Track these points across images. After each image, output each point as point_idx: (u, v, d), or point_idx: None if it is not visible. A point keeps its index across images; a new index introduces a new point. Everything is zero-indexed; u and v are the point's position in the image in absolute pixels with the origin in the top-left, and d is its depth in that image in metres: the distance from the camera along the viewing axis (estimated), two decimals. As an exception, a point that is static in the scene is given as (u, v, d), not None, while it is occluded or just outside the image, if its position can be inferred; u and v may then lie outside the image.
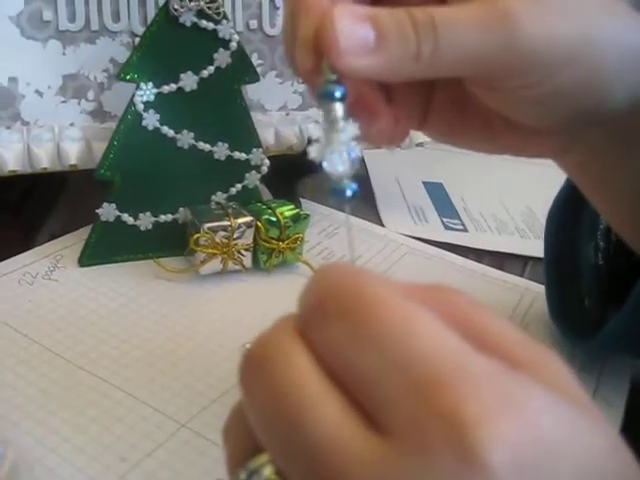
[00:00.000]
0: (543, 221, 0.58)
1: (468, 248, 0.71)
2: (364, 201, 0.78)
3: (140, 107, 0.58)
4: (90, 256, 0.60)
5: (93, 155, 0.61)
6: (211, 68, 0.59)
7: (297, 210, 0.62)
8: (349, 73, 0.31)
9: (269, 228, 0.60)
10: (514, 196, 0.83)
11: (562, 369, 0.23)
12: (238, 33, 0.60)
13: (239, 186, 0.63)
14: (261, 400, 0.22)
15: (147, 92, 0.58)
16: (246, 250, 0.59)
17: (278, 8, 0.65)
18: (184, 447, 0.43)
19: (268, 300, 0.57)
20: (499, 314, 0.24)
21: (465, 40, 0.32)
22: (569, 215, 0.55)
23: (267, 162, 0.63)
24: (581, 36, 0.34)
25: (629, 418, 0.49)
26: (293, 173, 0.72)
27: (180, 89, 0.59)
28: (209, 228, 0.57)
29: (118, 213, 0.59)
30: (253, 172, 0.63)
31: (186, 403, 0.46)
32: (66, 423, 0.44)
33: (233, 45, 0.59)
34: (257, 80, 0.62)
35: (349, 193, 0.28)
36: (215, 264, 0.59)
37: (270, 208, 0.61)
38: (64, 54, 0.60)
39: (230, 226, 0.58)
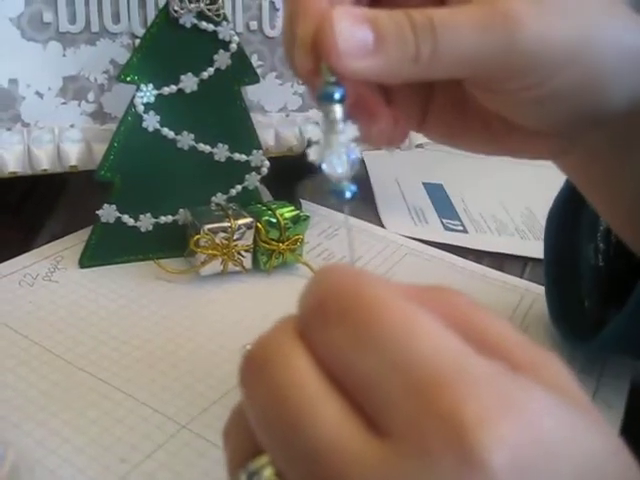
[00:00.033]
0: (543, 222, 0.58)
1: (468, 249, 0.71)
2: (364, 202, 0.78)
3: (140, 108, 0.58)
4: (90, 257, 0.60)
5: (93, 156, 0.61)
6: (211, 69, 0.59)
7: (297, 211, 0.62)
8: (348, 75, 0.31)
9: (269, 229, 0.60)
10: (514, 197, 0.83)
11: (562, 371, 0.23)
12: (238, 34, 0.60)
13: (239, 187, 0.63)
14: (261, 402, 0.22)
15: (147, 93, 0.58)
16: (246, 251, 0.59)
17: (278, 9, 0.66)
18: (184, 448, 0.43)
19: (268, 301, 0.57)
20: (499, 315, 0.24)
21: (464, 41, 0.32)
22: (569, 216, 0.55)
23: (267, 163, 0.63)
24: (580, 37, 0.34)
25: (629, 419, 0.49)
26: (293, 174, 0.72)
27: (180, 90, 0.59)
28: (209, 229, 0.57)
29: (118, 214, 0.59)
30: (253, 173, 0.63)
31: (186, 404, 0.46)
32: (66, 424, 0.44)
33: (233, 46, 0.59)
34: (257, 81, 0.62)
35: (348, 195, 0.28)
36: (215, 265, 0.59)
37: (270, 209, 0.61)
38: (64, 56, 0.60)
39: (230, 227, 0.58)
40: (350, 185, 0.28)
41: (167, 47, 0.58)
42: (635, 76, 0.36)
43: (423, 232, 0.73)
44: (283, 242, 0.60)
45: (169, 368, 0.49)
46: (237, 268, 0.59)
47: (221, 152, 0.61)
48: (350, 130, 0.29)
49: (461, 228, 0.75)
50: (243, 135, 0.62)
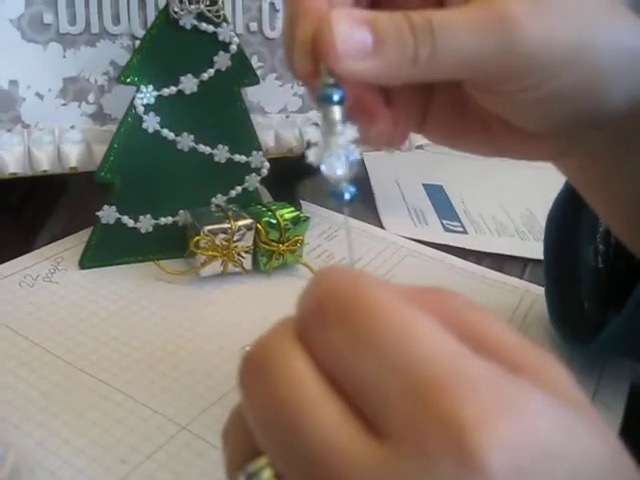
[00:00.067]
0: (543, 223, 0.58)
1: (468, 250, 0.71)
2: (364, 203, 0.78)
3: (140, 110, 0.58)
4: (90, 258, 0.60)
5: (93, 158, 0.61)
6: (211, 71, 0.59)
7: (297, 212, 0.62)
8: (347, 77, 0.31)
9: (269, 230, 0.60)
10: (514, 198, 0.84)
11: (561, 373, 0.23)
12: (238, 36, 0.60)
13: (239, 188, 0.63)
14: (260, 403, 0.22)
15: (147, 95, 0.58)
16: (246, 252, 0.60)
17: (278, 11, 0.66)
18: (184, 449, 0.43)
19: (268, 302, 0.57)
20: (499, 316, 0.24)
21: (463, 43, 0.32)
22: (568, 218, 0.55)
23: (267, 164, 0.63)
24: (580, 38, 0.34)
25: (628, 421, 0.49)
26: (293, 175, 0.72)
27: (180, 92, 0.59)
28: (209, 230, 0.57)
29: (118, 215, 0.59)
30: (253, 174, 0.63)
31: (186, 405, 0.46)
32: (66, 425, 0.44)
33: (233, 48, 0.59)
34: (257, 83, 0.62)
35: (347, 196, 0.28)
36: (215, 266, 0.59)
37: (270, 210, 0.61)
38: (64, 57, 0.60)
39: (230, 228, 0.58)
40: (349, 186, 0.28)
41: (167, 48, 0.58)
42: (634, 77, 0.36)
43: (423, 233, 0.73)
44: (283, 243, 0.60)
45: (169, 369, 0.49)
46: (237, 269, 0.60)
47: (221, 153, 0.61)
48: (349, 131, 0.29)
49: (461, 229, 0.75)
50: (243, 136, 0.62)
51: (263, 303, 0.58)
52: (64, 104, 0.61)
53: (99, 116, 0.62)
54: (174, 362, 0.50)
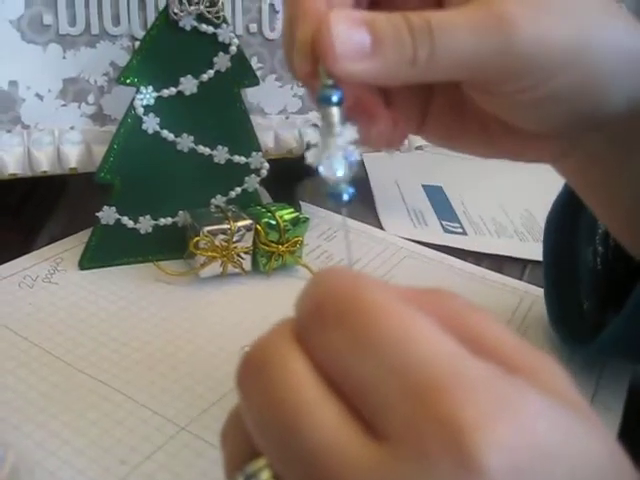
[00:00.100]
0: (542, 224, 0.58)
1: (467, 251, 0.71)
2: (363, 204, 0.78)
3: (140, 111, 0.58)
4: (90, 259, 0.60)
5: (93, 158, 0.61)
6: (211, 72, 0.59)
7: (296, 213, 0.62)
8: (345, 78, 0.31)
9: (269, 231, 0.60)
10: (513, 199, 0.84)
11: (560, 374, 0.23)
12: (238, 37, 0.60)
13: (239, 189, 0.63)
14: (258, 404, 0.22)
15: (147, 96, 0.58)
16: (246, 253, 0.60)
17: (278, 12, 0.66)
18: (183, 450, 0.43)
19: (268, 303, 0.57)
20: (498, 317, 0.24)
21: (461, 44, 0.32)
22: (567, 220, 0.55)
23: (267, 165, 0.63)
24: (578, 40, 0.34)
25: (627, 423, 0.49)
26: (293, 176, 0.72)
27: (180, 93, 0.59)
28: (209, 231, 0.57)
29: (118, 216, 0.59)
30: (253, 175, 0.63)
31: (186, 406, 0.46)
32: (66, 426, 0.44)
33: (233, 49, 0.59)
34: (257, 84, 0.62)
35: (346, 197, 0.28)
36: (215, 267, 0.59)
37: (270, 211, 0.61)
38: (64, 58, 0.60)
39: (230, 229, 0.58)
40: (348, 187, 0.28)
41: (167, 49, 0.58)
42: (633, 79, 0.36)
43: (422, 234, 0.73)
44: (282, 244, 0.60)
45: (169, 370, 0.49)
46: (236, 270, 0.60)
47: (221, 154, 0.61)
48: (348, 132, 0.29)
49: (460, 230, 0.75)
50: (243, 137, 0.62)
51: (262, 304, 0.58)
52: (64, 105, 0.61)
53: (99, 117, 0.62)
54: (174, 363, 0.50)
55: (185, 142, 0.60)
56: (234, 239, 0.58)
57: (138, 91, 0.58)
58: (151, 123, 0.58)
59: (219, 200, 0.63)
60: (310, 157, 0.28)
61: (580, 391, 0.23)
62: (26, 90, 0.59)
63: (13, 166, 0.59)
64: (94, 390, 0.47)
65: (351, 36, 0.31)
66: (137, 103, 0.58)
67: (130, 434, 0.44)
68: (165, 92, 0.58)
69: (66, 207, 0.71)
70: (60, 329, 0.52)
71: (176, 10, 0.56)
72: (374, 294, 0.22)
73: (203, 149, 0.61)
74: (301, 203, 0.72)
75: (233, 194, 0.63)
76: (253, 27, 0.65)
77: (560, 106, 0.36)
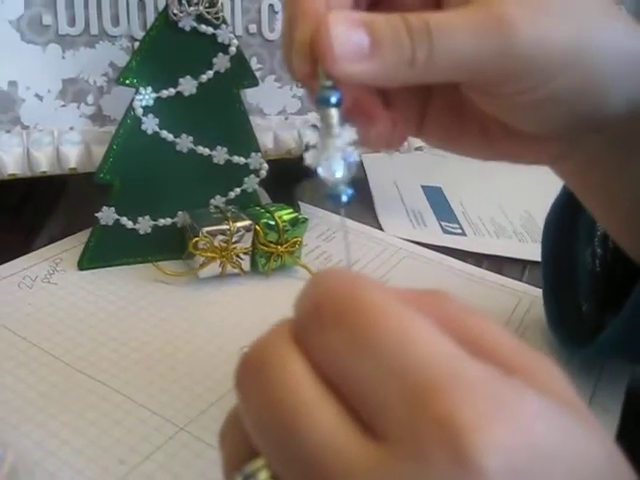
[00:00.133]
0: (542, 225, 0.58)
1: (467, 252, 0.71)
2: (363, 205, 0.78)
3: (139, 111, 0.58)
4: (89, 259, 0.60)
5: (92, 159, 0.61)
6: (210, 72, 0.59)
7: (296, 214, 0.62)
8: (344, 79, 0.31)
9: (268, 232, 0.60)
10: (513, 200, 0.84)
11: (558, 375, 0.23)
12: (237, 37, 0.60)
13: (238, 190, 0.63)
14: (257, 405, 0.22)
15: (146, 96, 0.58)
16: (245, 254, 0.60)
17: (277, 12, 0.66)
18: (182, 450, 0.43)
19: (267, 303, 0.57)
20: (497, 318, 0.24)
21: (460, 46, 0.32)
22: (566, 221, 0.55)
23: (266, 166, 0.63)
24: (577, 42, 0.34)
25: (625, 424, 0.49)
26: (292, 177, 0.72)
27: (179, 93, 0.59)
28: (208, 232, 0.57)
29: (117, 217, 0.59)
30: (252, 176, 0.63)
31: (185, 406, 0.46)
32: (65, 426, 0.44)
33: (232, 49, 0.59)
34: (256, 84, 0.62)
35: (344, 198, 0.28)
36: (214, 268, 0.59)
37: (269, 212, 0.61)
38: (64, 58, 0.60)
39: (229, 230, 0.58)
40: (346, 188, 0.28)
41: (166, 50, 0.58)
42: (633, 81, 0.36)
43: (422, 235, 0.73)
44: (282, 244, 0.60)
45: (168, 370, 0.49)
46: (236, 270, 0.60)
47: (220, 155, 0.61)
48: (347, 134, 0.29)
49: (460, 231, 0.76)
50: (242, 138, 0.62)
51: (262, 304, 0.58)
52: (63, 105, 0.61)
53: (98, 117, 0.62)
54: (173, 363, 0.50)
55: (184, 143, 0.60)
56: (233, 239, 0.58)
57: (137, 92, 0.58)
58: (150, 124, 0.58)
59: (218, 201, 0.63)
60: (309, 158, 0.28)
61: (578, 392, 0.23)
62: (25, 90, 0.59)
63: (12, 166, 0.59)
64: (93, 390, 0.47)
65: (350, 37, 0.31)
66: (136, 104, 0.58)
67: (129, 434, 0.44)
68: (164, 93, 0.59)
69: (65, 207, 0.71)
70: (59, 329, 0.52)
71: (175, 11, 0.57)
72: (373, 295, 0.22)
73: (202, 150, 0.61)
74: (300, 204, 0.72)
75: (232, 195, 0.63)
76: (252, 28, 0.65)
77: (559, 108, 0.36)
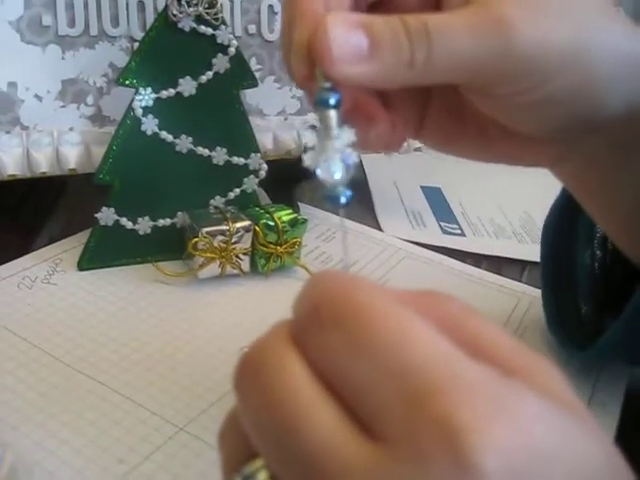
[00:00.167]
0: (541, 225, 0.57)
1: (466, 252, 0.71)
2: (362, 205, 0.78)
3: (139, 112, 0.58)
4: (89, 260, 0.60)
5: (92, 159, 0.61)
6: (210, 73, 0.59)
7: (295, 214, 0.62)
8: (342, 81, 0.31)
9: (267, 232, 0.60)
10: (512, 201, 0.84)
11: (556, 376, 0.23)
12: (237, 38, 0.60)
13: (237, 191, 0.63)
14: (255, 406, 0.22)
15: (146, 97, 0.58)
16: (244, 254, 0.60)
17: (276, 13, 0.66)
18: (182, 450, 0.43)
19: (266, 304, 0.58)
20: (496, 318, 0.24)
21: (458, 47, 0.32)
22: (565, 223, 0.55)
23: (265, 167, 0.63)
24: (576, 43, 0.34)
25: (624, 425, 0.49)
26: (291, 178, 0.72)
27: (179, 94, 0.59)
28: (207, 232, 0.57)
29: (117, 217, 0.59)
30: (251, 177, 0.63)
31: (184, 406, 0.46)
32: (65, 426, 0.44)
33: (232, 50, 0.59)
34: (255, 85, 0.62)
35: (343, 200, 0.28)
36: (213, 268, 0.59)
37: (268, 212, 0.61)
38: (63, 59, 0.60)
39: (228, 230, 0.58)
40: (345, 190, 0.28)
41: (166, 51, 0.58)
42: (631, 82, 0.36)
43: (421, 235, 0.73)
44: (281, 245, 0.60)
45: (167, 371, 0.49)
46: (235, 271, 0.60)
47: (219, 155, 0.62)
48: (346, 135, 0.29)
49: (459, 231, 0.76)
50: (241, 138, 0.62)
51: (261, 305, 0.58)
52: (63, 106, 0.61)
53: (98, 118, 0.62)
54: (172, 364, 0.50)
55: (184, 143, 0.60)
56: (233, 240, 0.58)
57: (137, 92, 0.58)
58: (150, 124, 0.59)
59: (218, 201, 0.63)
60: (307, 160, 0.28)
61: (577, 393, 0.23)
62: (25, 91, 0.59)
63: (12, 167, 0.59)
64: (93, 390, 0.47)
65: (348, 39, 0.31)
66: (136, 104, 0.58)
67: (129, 434, 0.44)
68: (164, 93, 0.59)
69: (65, 208, 0.71)
70: (59, 330, 0.52)
71: (175, 11, 0.57)
72: (371, 296, 0.22)
73: (202, 150, 0.61)
74: (299, 204, 0.72)
75: (232, 195, 0.63)
76: (252, 28, 0.65)
77: (558, 109, 0.36)
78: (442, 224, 0.77)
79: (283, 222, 0.60)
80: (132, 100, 0.58)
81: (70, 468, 0.41)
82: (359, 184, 0.79)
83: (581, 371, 0.52)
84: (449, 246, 0.72)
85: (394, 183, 0.85)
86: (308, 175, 0.29)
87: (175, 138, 0.60)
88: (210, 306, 0.57)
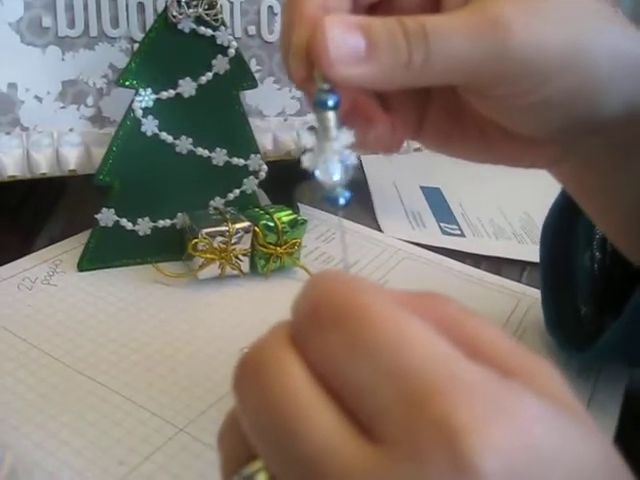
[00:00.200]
0: (541, 226, 0.58)
1: (466, 253, 0.71)
2: (362, 206, 0.78)
3: (139, 113, 0.58)
4: (89, 261, 0.60)
5: (92, 160, 0.61)
6: (209, 74, 0.59)
7: (295, 215, 0.62)
8: (340, 82, 0.31)
9: (267, 233, 0.60)
10: (512, 201, 0.84)
11: (555, 377, 0.23)
12: (236, 39, 0.60)
13: (237, 191, 0.63)
14: (255, 407, 0.22)
15: (146, 98, 0.58)
16: (244, 255, 0.60)
17: (276, 14, 0.66)
18: (182, 451, 0.43)
19: (266, 305, 0.58)
20: (496, 319, 0.24)
21: (456, 48, 0.32)
22: (564, 225, 0.55)
23: (265, 167, 0.63)
24: (574, 45, 0.34)
25: (623, 426, 0.49)
26: (291, 178, 0.72)
27: (179, 95, 0.59)
28: (207, 233, 0.58)
29: (117, 218, 0.59)
30: (251, 177, 0.63)
31: (184, 407, 0.46)
32: (65, 427, 0.44)
33: (231, 51, 0.59)
34: (255, 86, 0.63)
35: (342, 201, 0.28)
36: (213, 269, 0.59)
37: (268, 213, 0.61)
38: (63, 60, 0.60)
39: (228, 231, 0.58)
40: (344, 191, 0.28)
41: (165, 52, 0.58)
42: (630, 83, 0.36)
43: (421, 236, 0.73)
44: (281, 246, 0.60)
45: (167, 371, 0.49)
46: (235, 272, 0.60)
47: (219, 156, 0.62)
48: (344, 136, 0.29)
49: (459, 232, 0.76)
50: (241, 139, 0.62)
51: (261, 306, 0.58)
52: (63, 107, 0.61)
53: (98, 119, 0.62)
54: (172, 364, 0.50)
55: (184, 144, 0.60)
56: (232, 241, 0.58)
57: (137, 93, 0.58)
58: (150, 125, 0.59)
59: (217, 202, 0.63)
60: (306, 161, 0.29)
61: (576, 395, 0.23)
62: (25, 92, 0.59)
63: (12, 168, 0.59)
64: (93, 391, 0.47)
65: (346, 40, 0.31)
66: (136, 105, 0.58)
67: (128, 435, 0.44)
68: (164, 94, 0.59)
69: (65, 209, 0.71)
70: (59, 331, 0.52)
71: (175, 12, 0.57)
72: (370, 297, 0.22)
73: (202, 151, 0.61)
74: (299, 205, 0.72)
75: (231, 196, 0.63)
76: (252, 29, 0.65)
77: (557, 110, 0.36)
78: (442, 225, 0.77)
79: (283, 223, 0.60)
80: (132, 101, 0.58)
81: (70, 469, 0.41)
82: (359, 184, 0.79)
83: (580, 372, 0.52)
84: (449, 247, 0.72)
85: (394, 183, 0.85)
86: (308, 176, 0.29)
87: (175, 139, 0.60)
88: (210, 307, 0.57)
